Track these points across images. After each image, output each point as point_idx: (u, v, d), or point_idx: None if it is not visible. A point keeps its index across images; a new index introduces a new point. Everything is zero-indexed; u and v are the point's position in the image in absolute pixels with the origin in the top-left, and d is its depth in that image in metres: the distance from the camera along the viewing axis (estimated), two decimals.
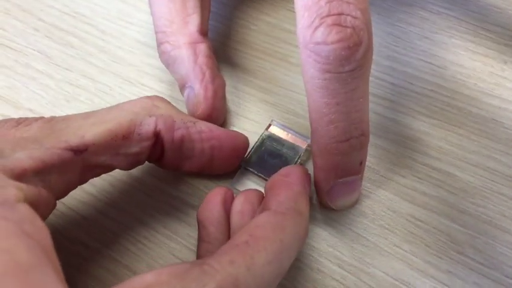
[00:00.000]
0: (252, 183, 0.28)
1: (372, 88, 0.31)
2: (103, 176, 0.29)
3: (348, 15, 0.22)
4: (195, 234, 0.27)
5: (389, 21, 0.34)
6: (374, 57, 0.32)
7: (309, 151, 0.28)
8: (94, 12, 0.36)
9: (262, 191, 0.27)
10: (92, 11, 0.37)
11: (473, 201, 0.27)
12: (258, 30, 0.35)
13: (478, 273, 0.25)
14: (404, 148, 0.29)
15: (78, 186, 0.28)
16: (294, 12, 0.35)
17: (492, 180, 0.27)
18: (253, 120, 0.31)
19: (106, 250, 0.27)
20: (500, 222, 0.26)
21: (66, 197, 0.28)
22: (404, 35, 0.33)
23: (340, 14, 0.22)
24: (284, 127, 0.29)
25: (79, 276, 0.26)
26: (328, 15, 0.22)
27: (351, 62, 0.22)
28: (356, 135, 0.24)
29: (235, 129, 0.30)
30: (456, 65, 0.32)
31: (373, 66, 0.32)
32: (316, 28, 0.22)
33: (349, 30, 0.22)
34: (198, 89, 0.28)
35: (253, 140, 0.29)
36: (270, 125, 0.29)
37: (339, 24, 0.22)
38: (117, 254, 0.27)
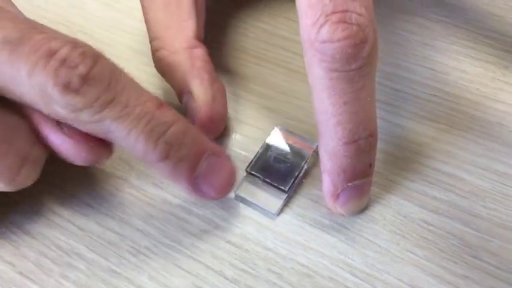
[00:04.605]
0: (257, 189, 0.27)
1: (376, 94, 0.30)
2: (100, 184, 0.28)
3: (353, 12, 0.22)
4: (199, 244, 0.26)
5: (390, 29, 0.34)
6: None
7: (315, 156, 0.27)
8: (88, 21, 0.36)
9: (268, 197, 0.27)
10: (85, 19, 0.36)
11: (485, 204, 0.26)
12: (256, 38, 0.34)
13: (495, 277, 0.24)
14: (411, 152, 0.28)
15: (74, 198, 0.27)
16: (291, 20, 0.35)
17: (502, 183, 0.27)
18: (255, 127, 0.30)
19: (105, 262, 0.25)
20: None
21: (61, 207, 0.27)
22: (405, 42, 0.33)
23: (345, 12, 0.22)
24: (289, 132, 0.28)
25: None
26: (333, 13, 0.22)
27: (357, 59, 0.22)
28: (364, 136, 0.24)
29: (237, 135, 0.29)
30: (458, 71, 0.31)
31: None
32: (321, 26, 0.22)
33: (354, 28, 0.22)
34: (197, 93, 0.28)
35: (255, 146, 0.28)
36: (275, 130, 0.28)
37: (344, 22, 0.22)
38: (117, 267, 0.25)
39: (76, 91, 0.22)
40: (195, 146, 0.24)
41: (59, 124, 0.23)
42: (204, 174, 0.25)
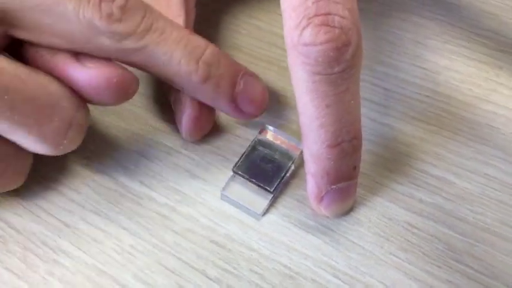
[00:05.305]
0: (243, 189, 0.27)
1: (365, 93, 0.30)
2: (86, 181, 0.28)
3: (335, 14, 0.21)
4: (183, 243, 0.26)
5: (382, 27, 0.33)
6: (367, 62, 0.31)
7: (302, 157, 0.27)
8: None
9: (254, 197, 0.26)
10: None
11: (471, 208, 0.26)
12: (248, 35, 0.34)
13: (478, 283, 0.24)
14: (399, 154, 0.28)
15: (61, 194, 0.27)
16: None
17: (491, 187, 0.27)
18: (244, 126, 0.30)
19: (90, 260, 0.25)
20: (499, 230, 0.25)
21: (47, 203, 0.27)
22: (398, 40, 0.33)
23: (327, 14, 0.21)
24: (277, 132, 0.28)
25: None
26: (315, 15, 0.21)
27: (340, 62, 0.22)
28: (348, 139, 0.24)
29: (226, 135, 0.29)
30: (450, 71, 0.31)
31: (366, 72, 0.31)
32: (304, 29, 0.22)
33: (337, 31, 0.21)
34: None
35: (244, 145, 0.28)
36: (262, 130, 0.28)
37: (326, 25, 0.21)
38: (102, 264, 0.25)
39: (119, 20, 0.24)
40: (231, 66, 0.26)
41: (82, 62, 0.25)
42: (243, 92, 0.27)
